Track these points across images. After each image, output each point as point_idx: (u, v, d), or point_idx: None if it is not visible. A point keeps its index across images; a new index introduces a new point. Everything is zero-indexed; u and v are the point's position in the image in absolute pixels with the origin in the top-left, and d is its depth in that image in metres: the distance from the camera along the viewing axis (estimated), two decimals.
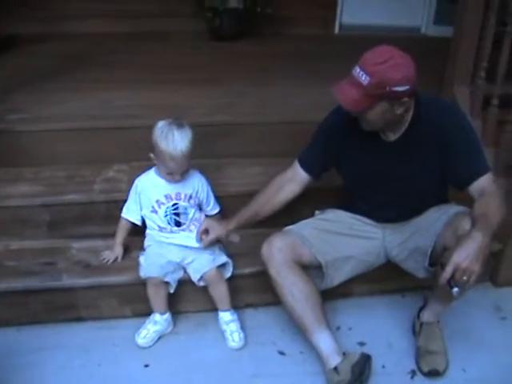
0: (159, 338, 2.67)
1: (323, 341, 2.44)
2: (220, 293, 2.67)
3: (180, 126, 2.50)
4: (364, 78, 2.05)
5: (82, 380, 2.46)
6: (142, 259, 2.69)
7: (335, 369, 2.36)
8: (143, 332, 2.64)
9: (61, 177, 3.06)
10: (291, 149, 2.65)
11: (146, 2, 5.07)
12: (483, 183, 2.23)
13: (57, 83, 3.77)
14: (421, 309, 2.68)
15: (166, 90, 3.70)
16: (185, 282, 2.72)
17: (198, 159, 2.66)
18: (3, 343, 2.64)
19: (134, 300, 2.75)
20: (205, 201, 2.77)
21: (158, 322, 2.66)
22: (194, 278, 2.66)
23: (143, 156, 2.68)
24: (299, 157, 2.58)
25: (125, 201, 2.77)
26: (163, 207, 2.65)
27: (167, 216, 2.66)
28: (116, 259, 2.76)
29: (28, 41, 4.74)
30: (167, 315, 2.69)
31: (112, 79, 3.89)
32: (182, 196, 2.65)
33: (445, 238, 2.30)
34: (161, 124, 2.52)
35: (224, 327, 2.67)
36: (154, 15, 5.13)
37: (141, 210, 2.70)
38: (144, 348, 2.62)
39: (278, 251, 2.47)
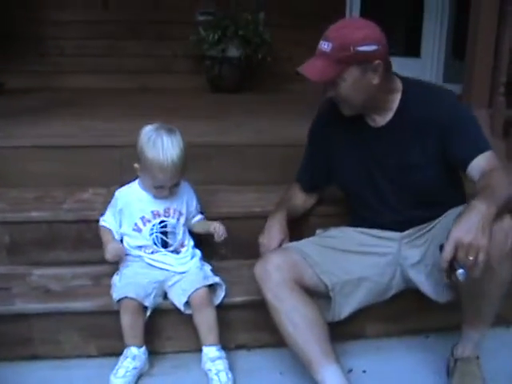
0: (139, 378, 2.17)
1: (332, 377, 1.97)
2: (207, 320, 2.19)
3: (170, 131, 2.16)
4: (327, 46, 1.95)
5: None
6: (115, 279, 2.25)
7: None
8: (121, 371, 2.12)
9: (28, 198, 2.67)
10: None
11: (144, 58, 4.87)
12: (483, 162, 1.95)
13: (38, 115, 3.43)
14: (455, 345, 2.18)
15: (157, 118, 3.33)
16: (163, 313, 2.26)
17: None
18: None
19: (101, 335, 2.26)
20: (192, 214, 2.40)
21: (136, 357, 2.15)
22: (179, 301, 2.20)
23: (126, 178, 2.36)
24: (296, 175, 2.46)
25: (96, 221, 2.35)
26: (149, 225, 2.25)
27: (153, 235, 2.26)
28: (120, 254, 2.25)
29: (19, 91, 4.48)
30: (144, 348, 2.19)
31: (99, 114, 3.57)
32: (171, 212, 2.27)
33: None
34: (147, 129, 2.18)
35: (208, 366, 2.16)
36: (152, 71, 4.92)
37: (120, 227, 2.29)
38: None
39: (275, 270, 2.05)
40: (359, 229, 2.27)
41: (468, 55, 3.03)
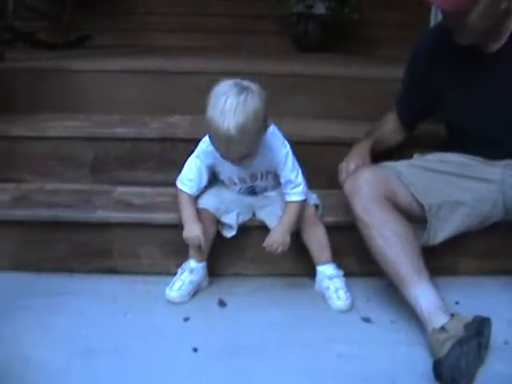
0: (196, 294, 2.10)
1: (424, 295, 1.83)
2: (318, 238, 2.08)
3: (242, 90, 1.76)
4: None
5: (99, 326, 1.91)
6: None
7: (442, 328, 1.70)
8: (177, 284, 2.07)
9: (113, 119, 2.63)
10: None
11: (230, 17, 4.79)
12: None
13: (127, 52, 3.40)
14: None
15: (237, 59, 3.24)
16: (247, 232, 2.17)
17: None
18: (18, 284, 2.15)
19: (182, 251, 2.15)
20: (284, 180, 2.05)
21: (194, 271, 2.08)
22: (271, 221, 2.08)
23: None
24: (394, 103, 2.30)
25: (182, 140, 2.27)
26: (236, 187, 2.12)
27: (241, 191, 2.13)
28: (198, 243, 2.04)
29: (106, 47, 4.48)
30: (204, 264, 2.11)
31: (186, 54, 3.48)
32: (259, 175, 2.07)
33: None
34: (221, 83, 1.80)
35: (326, 284, 2.06)
36: (232, 31, 4.84)
37: (204, 182, 2.07)
38: (178, 303, 2.05)
39: (365, 184, 1.96)
40: (462, 154, 2.11)
41: None
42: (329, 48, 4.54)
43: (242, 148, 1.82)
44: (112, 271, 2.22)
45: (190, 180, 2.02)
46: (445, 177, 2.03)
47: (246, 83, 1.79)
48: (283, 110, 2.67)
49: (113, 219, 2.18)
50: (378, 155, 2.22)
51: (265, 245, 2.00)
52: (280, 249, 2.00)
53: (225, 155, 1.87)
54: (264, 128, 1.85)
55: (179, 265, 2.14)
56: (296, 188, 1.99)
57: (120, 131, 2.46)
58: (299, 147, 2.28)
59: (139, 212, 2.18)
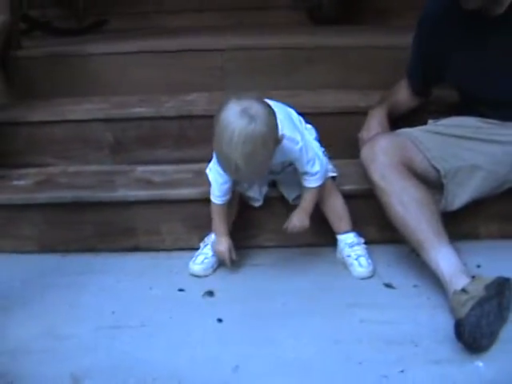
0: (219, 267, 2.12)
1: (444, 258, 1.83)
2: (335, 209, 2.09)
3: (252, 119, 1.69)
4: None
5: (125, 301, 1.96)
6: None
7: (462, 290, 1.70)
8: (200, 257, 2.10)
9: (131, 100, 2.66)
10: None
11: None
12: None
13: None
14: None
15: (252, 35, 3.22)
16: (268, 204, 2.18)
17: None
18: (45, 265, 2.20)
19: (204, 225, 2.16)
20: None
21: None
22: (289, 195, 2.13)
23: (228, 84, 2.44)
24: (405, 70, 2.29)
25: (200, 117, 2.29)
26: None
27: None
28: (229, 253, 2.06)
29: (122, 30, 4.50)
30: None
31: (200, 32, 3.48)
32: (278, 170, 2.08)
33: None
34: (228, 110, 1.73)
35: (347, 251, 2.07)
36: (245, 8, 4.80)
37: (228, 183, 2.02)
38: (202, 276, 2.09)
39: (382, 151, 1.96)
40: (476, 117, 2.10)
41: None
42: (344, 21, 4.50)
43: (252, 174, 1.83)
44: (136, 249, 2.26)
45: (218, 192, 2.01)
46: (460, 141, 2.03)
47: (253, 111, 1.72)
48: (300, 82, 2.70)
49: (134, 198, 2.22)
50: (393, 122, 2.21)
51: (284, 228, 2.02)
52: (300, 231, 2.03)
53: (237, 180, 1.92)
54: (274, 148, 1.80)
55: (202, 239, 2.17)
56: (313, 176, 1.97)
57: (138, 111, 2.48)
58: (317, 118, 2.31)
59: (160, 189, 2.21)
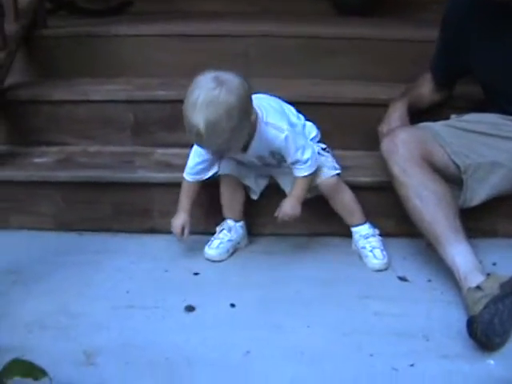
0: (235, 252, 2.14)
1: (460, 254, 1.83)
2: (344, 204, 2.09)
3: (218, 85, 1.71)
4: None
5: (140, 282, 1.98)
6: None
7: (477, 287, 1.70)
8: (215, 242, 2.12)
9: (154, 83, 2.65)
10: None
11: None
12: None
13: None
14: None
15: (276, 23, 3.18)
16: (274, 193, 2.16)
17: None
18: (62, 243, 2.23)
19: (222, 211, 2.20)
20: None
21: (232, 229, 2.13)
22: (286, 188, 2.11)
23: (253, 71, 2.39)
24: (430, 63, 2.27)
25: None
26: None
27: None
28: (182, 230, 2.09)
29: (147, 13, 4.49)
30: (242, 223, 2.15)
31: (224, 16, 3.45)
32: (266, 156, 2.02)
33: None
34: (202, 74, 1.77)
35: (362, 243, 2.07)
36: None
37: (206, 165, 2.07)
38: (217, 261, 2.10)
39: (402, 144, 1.95)
40: (499, 114, 2.08)
41: None
42: (369, 11, 4.45)
43: (214, 144, 1.80)
44: (152, 231, 2.27)
45: (190, 169, 2.05)
46: (482, 137, 2.01)
47: (226, 77, 1.73)
48: (321, 71, 2.68)
49: (153, 179, 2.23)
50: (415, 116, 2.20)
51: (276, 215, 2.01)
52: (292, 219, 2.00)
53: (200, 147, 1.89)
54: (243, 125, 1.78)
55: (219, 224, 2.18)
56: (303, 164, 1.95)
57: (160, 94, 2.48)
58: (338, 108, 2.31)
59: (179, 172, 2.20)
